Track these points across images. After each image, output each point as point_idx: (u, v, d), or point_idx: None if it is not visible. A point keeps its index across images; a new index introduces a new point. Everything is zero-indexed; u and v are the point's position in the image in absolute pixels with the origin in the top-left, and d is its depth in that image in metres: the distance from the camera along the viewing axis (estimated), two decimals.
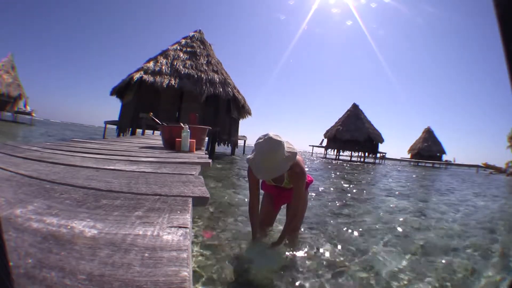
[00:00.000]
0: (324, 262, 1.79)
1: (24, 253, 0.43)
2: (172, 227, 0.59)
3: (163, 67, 10.78)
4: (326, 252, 1.95)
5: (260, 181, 1.88)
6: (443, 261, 2.02)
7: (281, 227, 2.08)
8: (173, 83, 10.32)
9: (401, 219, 3.29)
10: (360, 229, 2.66)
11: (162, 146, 3.36)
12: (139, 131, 11.10)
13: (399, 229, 2.81)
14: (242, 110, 12.97)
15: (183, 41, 12.44)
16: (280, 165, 1.40)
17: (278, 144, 1.40)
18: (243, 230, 2.20)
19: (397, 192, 5.78)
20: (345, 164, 17.59)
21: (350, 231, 2.57)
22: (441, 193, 6.70)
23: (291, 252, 1.81)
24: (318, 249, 1.98)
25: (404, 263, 1.92)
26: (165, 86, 10.19)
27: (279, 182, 1.74)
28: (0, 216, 0.41)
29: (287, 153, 1.44)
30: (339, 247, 2.10)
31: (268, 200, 1.99)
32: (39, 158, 1.48)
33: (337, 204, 3.81)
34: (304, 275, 1.59)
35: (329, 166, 13.90)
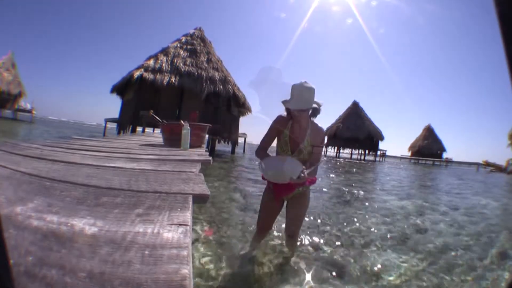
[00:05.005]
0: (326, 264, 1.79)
1: (25, 251, 0.44)
2: (172, 224, 0.59)
3: (164, 65, 10.74)
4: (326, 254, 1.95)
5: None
6: None
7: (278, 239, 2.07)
8: (173, 81, 10.29)
9: None
10: None
11: (162, 143, 3.36)
12: (139, 129, 11.09)
13: None
14: (242, 107, 12.94)
15: (184, 39, 12.39)
16: (310, 98, 1.67)
17: (311, 86, 1.71)
18: (244, 228, 2.21)
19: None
20: (336, 163, 17.30)
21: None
22: None
23: (291, 254, 1.81)
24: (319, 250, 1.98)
25: None
26: (165, 84, 10.16)
27: (301, 136, 1.74)
28: (0, 214, 0.41)
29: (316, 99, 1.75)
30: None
31: (268, 194, 1.90)
32: (39, 156, 1.48)
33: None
34: (304, 275, 1.60)
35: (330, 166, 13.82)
